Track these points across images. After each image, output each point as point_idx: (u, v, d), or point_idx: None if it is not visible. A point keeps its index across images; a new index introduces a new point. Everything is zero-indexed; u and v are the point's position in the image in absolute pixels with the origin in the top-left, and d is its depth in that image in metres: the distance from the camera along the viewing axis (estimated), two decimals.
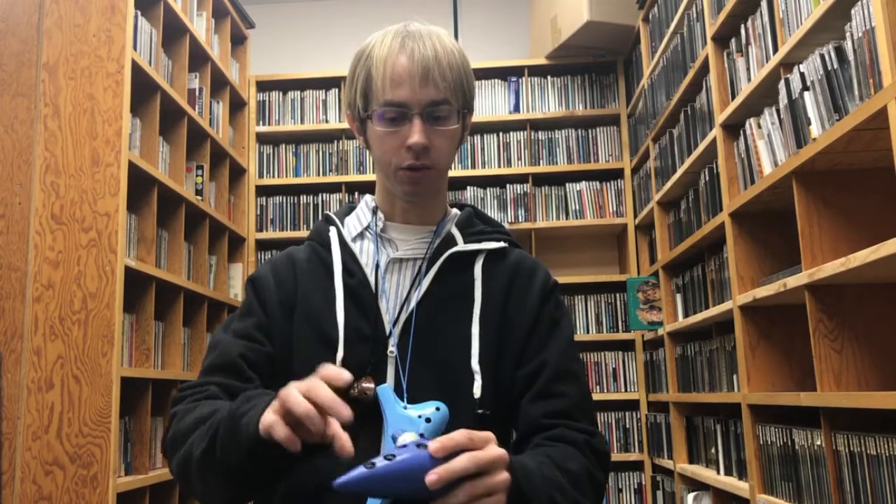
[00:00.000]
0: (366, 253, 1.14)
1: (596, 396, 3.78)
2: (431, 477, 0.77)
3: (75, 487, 2.44)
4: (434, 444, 0.79)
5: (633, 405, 3.95)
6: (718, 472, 2.73)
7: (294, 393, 0.80)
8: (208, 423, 0.93)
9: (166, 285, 3.01)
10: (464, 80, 1.10)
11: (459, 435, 0.80)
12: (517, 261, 1.15)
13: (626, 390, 3.96)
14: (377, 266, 1.12)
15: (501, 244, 1.15)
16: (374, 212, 1.16)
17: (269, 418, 0.82)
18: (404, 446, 0.81)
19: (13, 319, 2.55)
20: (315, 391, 0.80)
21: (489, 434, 0.83)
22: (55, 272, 2.57)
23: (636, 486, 3.86)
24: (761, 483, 2.25)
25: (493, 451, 0.81)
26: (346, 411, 0.78)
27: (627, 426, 3.92)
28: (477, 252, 1.13)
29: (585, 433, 1.04)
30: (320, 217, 4.14)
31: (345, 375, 0.81)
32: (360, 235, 1.16)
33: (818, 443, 1.87)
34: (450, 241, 1.13)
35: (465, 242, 1.13)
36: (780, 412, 2.23)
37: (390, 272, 1.12)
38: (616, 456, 3.85)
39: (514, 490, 0.84)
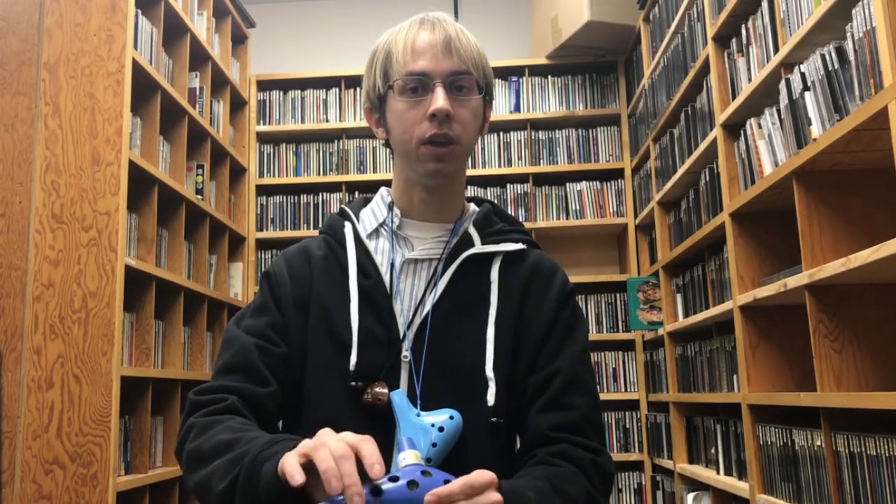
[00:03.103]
0: (381, 252, 1.10)
1: None
2: None
3: (75, 486, 2.44)
4: (430, 497, 0.75)
5: (633, 405, 3.95)
6: (718, 473, 2.73)
7: (324, 450, 0.78)
8: (230, 457, 0.89)
9: (166, 284, 3.01)
10: (484, 62, 1.09)
11: (458, 485, 0.77)
12: (535, 262, 1.12)
13: (626, 390, 3.96)
14: (392, 266, 1.09)
15: (520, 246, 1.11)
16: (391, 207, 1.13)
17: (290, 460, 0.79)
18: (396, 479, 0.77)
19: (13, 318, 2.55)
20: (344, 463, 0.76)
21: (491, 478, 0.80)
22: (55, 271, 2.57)
23: (636, 486, 3.86)
24: (761, 483, 2.25)
25: (491, 497, 0.79)
26: (358, 500, 0.74)
27: (627, 426, 3.92)
28: (494, 253, 1.10)
29: (591, 451, 1.01)
30: (322, 216, 4.09)
31: (376, 469, 0.77)
32: (376, 232, 1.12)
33: (818, 443, 1.87)
34: (467, 241, 1.10)
35: (483, 243, 1.10)
36: (780, 412, 2.23)
37: (405, 273, 1.09)
38: (616, 456, 3.85)
39: None
